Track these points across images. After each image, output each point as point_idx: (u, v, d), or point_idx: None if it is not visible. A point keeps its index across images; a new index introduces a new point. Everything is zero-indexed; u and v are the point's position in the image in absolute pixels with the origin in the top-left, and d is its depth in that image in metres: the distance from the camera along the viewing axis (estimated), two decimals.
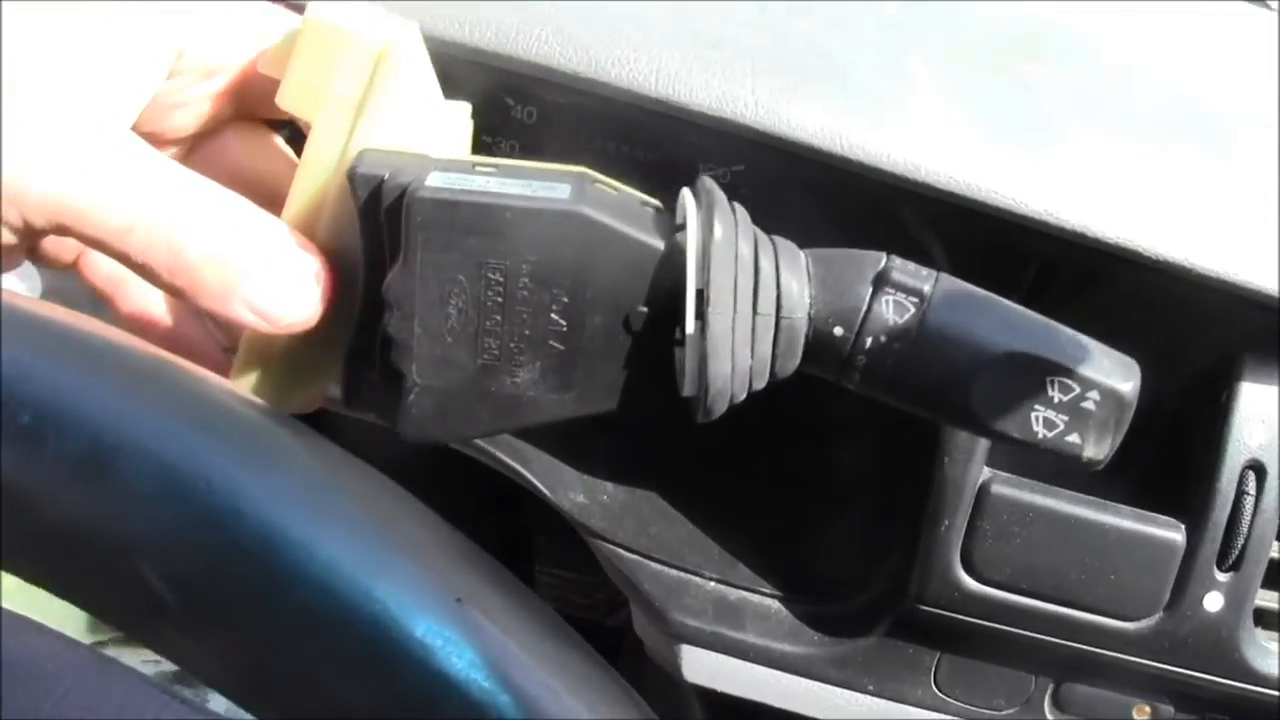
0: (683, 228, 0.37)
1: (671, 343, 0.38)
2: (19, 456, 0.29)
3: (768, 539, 0.62)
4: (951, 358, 0.37)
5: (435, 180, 0.36)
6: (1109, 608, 0.57)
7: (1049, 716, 0.60)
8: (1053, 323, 0.39)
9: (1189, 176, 0.54)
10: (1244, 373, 0.56)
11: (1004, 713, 0.60)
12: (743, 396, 0.38)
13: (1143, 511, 0.56)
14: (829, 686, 0.60)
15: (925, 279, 0.38)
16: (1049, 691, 0.60)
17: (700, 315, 0.36)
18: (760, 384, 0.38)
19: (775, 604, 0.61)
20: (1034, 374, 0.37)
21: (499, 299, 0.37)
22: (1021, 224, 0.51)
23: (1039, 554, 0.56)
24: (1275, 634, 0.59)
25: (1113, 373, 0.38)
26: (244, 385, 0.40)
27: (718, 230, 0.37)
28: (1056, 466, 0.57)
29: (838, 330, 0.38)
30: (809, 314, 0.38)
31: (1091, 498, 0.56)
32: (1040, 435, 0.38)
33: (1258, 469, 0.56)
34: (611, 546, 0.61)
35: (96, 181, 0.35)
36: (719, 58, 0.51)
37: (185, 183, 0.37)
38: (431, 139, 0.39)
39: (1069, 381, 0.38)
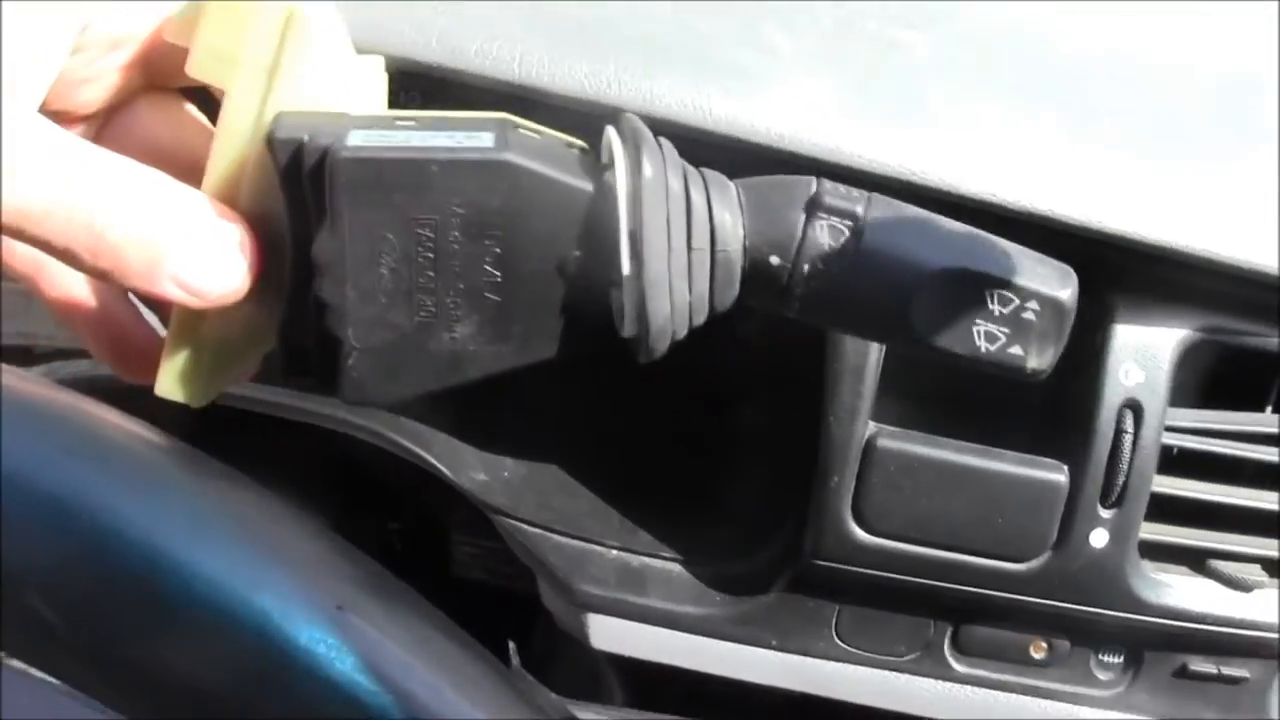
0: (610, 168, 0.37)
1: (608, 285, 0.37)
2: None
3: (666, 505, 0.63)
4: (888, 278, 0.37)
5: (356, 139, 0.35)
6: (999, 550, 0.58)
7: (949, 659, 0.62)
8: (987, 235, 0.39)
9: (1048, 132, 0.56)
10: (1116, 315, 0.57)
11: (906, 659, 0.62)
12: (684, 333, 0.38)
13: (1026, 455, 0.58)
14: (733, 645, 0.61)
15: (857, 200, 0.38)
16: (948, 635, 0.62)
17: (635, 256, 0.36)
18: (700, 320, 0.38)
19: (677, 568, 0.62)
20: (972, 288, 0.37)
21: (430, 255, 0.36)
22: (884, 184, 0.52)
23: (927, 503, 0.57)
24: (1160, 565, 0.60)
25: (1049, 280, 0.38)
26: (177, 363, 0.39)
27: (646, 168, 0.36)
28: (940, 415, 0.59)
29: (774, 259, 0.37)
30: (744, 245, 0.38)
31: (976, 445, 0.58)
32: (983, 349, 0.38)
33: (1135, 408, 0.57)
34: (514, 522, 0.62)
35: (9, 169, 0.34)
36: (580, 40, 0.51)
37: (101, 162, 0.36)
38: (348, 97, 0.39)
39: (1007, 293, 0.38)
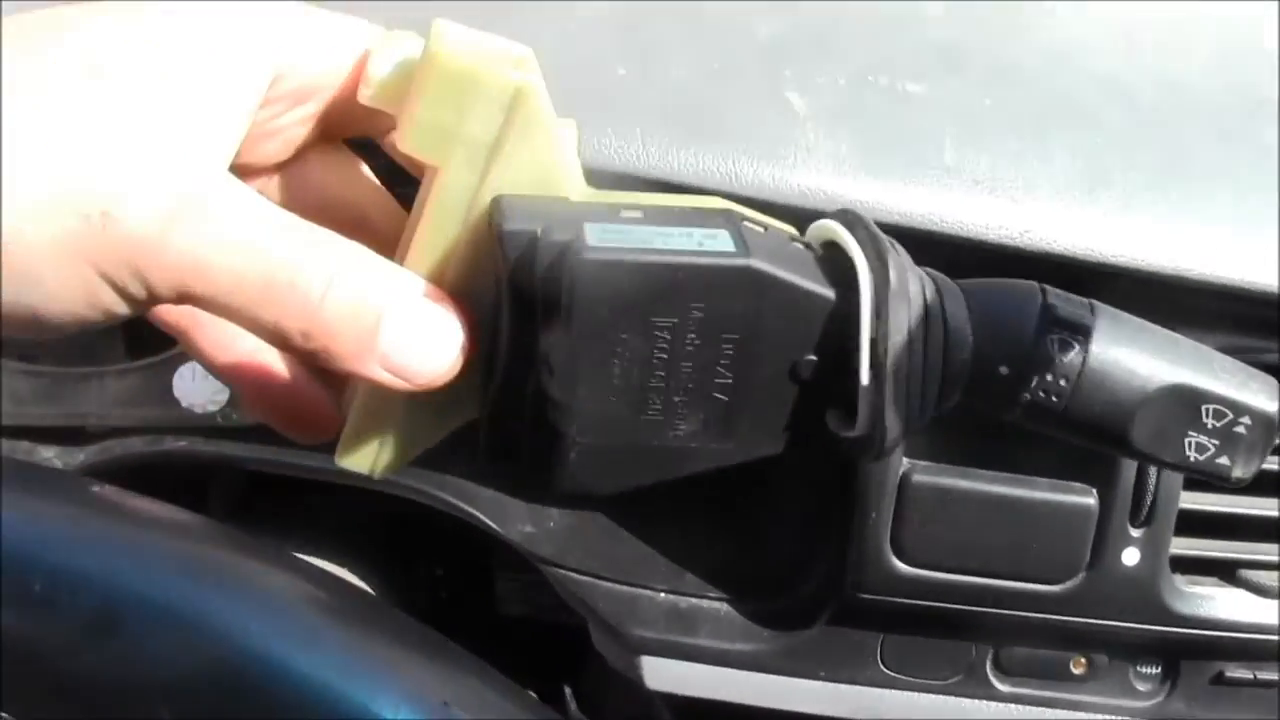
0: (851, 271, 0.37)
1: (841, 390, 0.37)
2: (35, 622, 0.31)
3: (711, 545, 0.65)
4: (1114, 394, 0.38)
5: (595, 237, 0.34)
6: (1034, 574, 0.60)
7: (992, 679, 0.64)
8: (1202, 347, 0.40)
9: (1057, 168, 0.57)
10: None
11: (949, 681, 0.64)
12: (912, 434, 0.38)
13: (1057, 481, 0.60)
14: (782, 678, 0.64)
15: (1084, 311, 0.39)
16: (989, 657, 0.64)
17: (875, 365, 0.36)
18: (924, 422, 0.38)
19: (724, 606, 0.64)
20: (1190, 403, 0.38)
21: (664, 355, 0.36)
22: (908, 234, 0.54)
23: (963, 533, 0.59)
24: (1191, 578, 0.62)
25: (1259, 394, 0.39)
26: (362, 435, 0.38)
27: (892, 276, 0.36)
28: (970, 445, 0.61)
29: (1003, 369, 0.38)
30: (972, 353, 0.38)
31: (1007, 474, 0.60)
32: (1192, 460, 0.39)
33: None
34: (563, 572, 0.64)
35: (233, 242, 0.33)
36: (603, 111, 0.53)
37: (314, 237, 0.34)
38: (561, 174, 0.37)
39: (1222, 408, 0.38)
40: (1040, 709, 0.64)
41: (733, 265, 0.35)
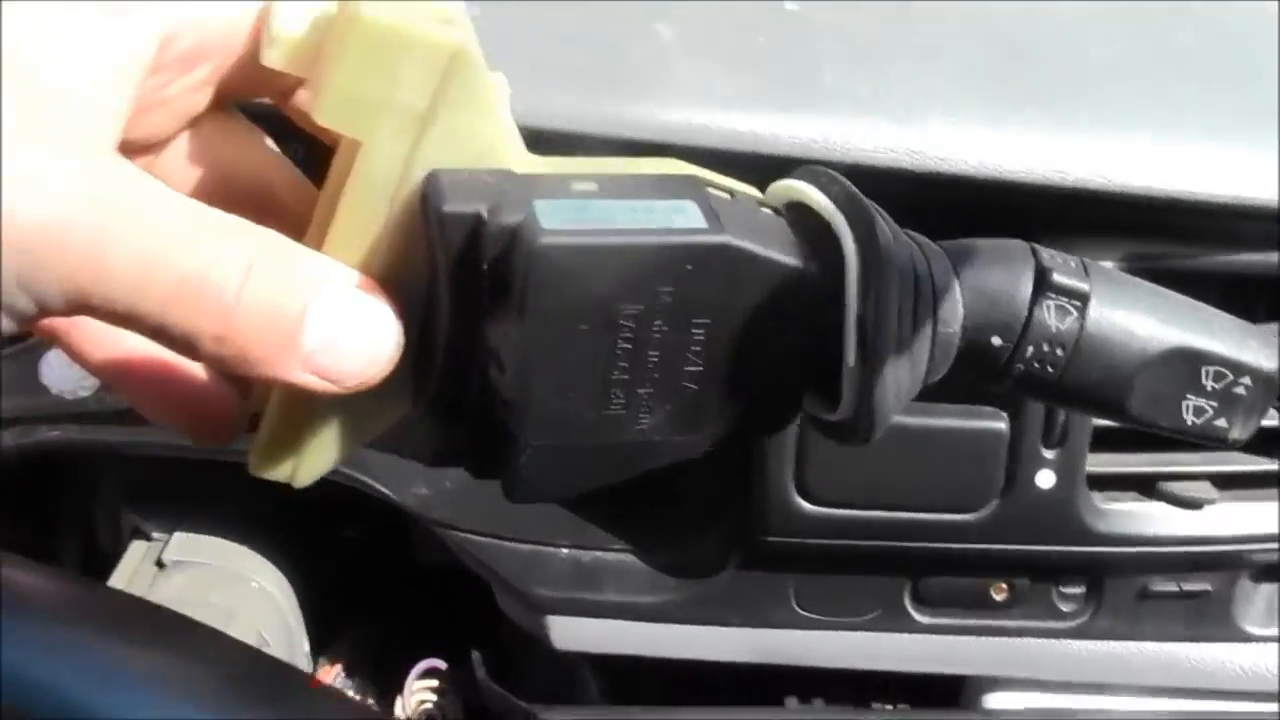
0: (831, 241, 0.33)
1: (823, 370, 0.34)
2: None
3: (611, 497, 0.62)
4: (1112, 361, 0.35)
5: (549, 218, 0.30)
6: (946, 504, 0.58)
7: (911, 612, 0.61)
8: (1201, 305, 0.37)
9: (949, 84, 0.54)
10: None
11: (868, 618, 0.61)
12: (898, 413, 0.35)
13: (965, 406, 0.57)
14: (695, 627, 0.61)
15: (1080, 275, 0.35)
16: (908, 590, 0.61)
17: (862, 343, 0.33)
18: (911, 398, 0.35)
19: (630, 559, 0.61)
20: (1190, 366, 0.36)
21: (628, 345, 0.32)
22: (791, 163, 0.50)
23: (869, 467, 0.57)
24: (1110, 495, 0.60)
25: (1260, 353, 0.37)
26: (278, 441, 0.34)
27: (882, 246, 0.33)
28: None
29: (995, 340, 0.35)
30: (963, 325, 0.35)
31: (912, 403, 0.57)
32: (1189, 424, 0.36)
33: None
34: (461, 534, 0.61)
35: (135, 241, 0.28)
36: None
37: (223, 226, 0.30)
38: (499, 140, 0.32)
39: (1223, 369, 0.36)
40: (964, 638, 0.62)
41: (707, 243, 0.31)
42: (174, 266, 0.28)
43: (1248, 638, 0.63)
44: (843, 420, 0.34)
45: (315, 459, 0.34)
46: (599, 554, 0.61)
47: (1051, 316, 0.35)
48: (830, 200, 0.33)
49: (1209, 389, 0.36)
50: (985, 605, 0.62)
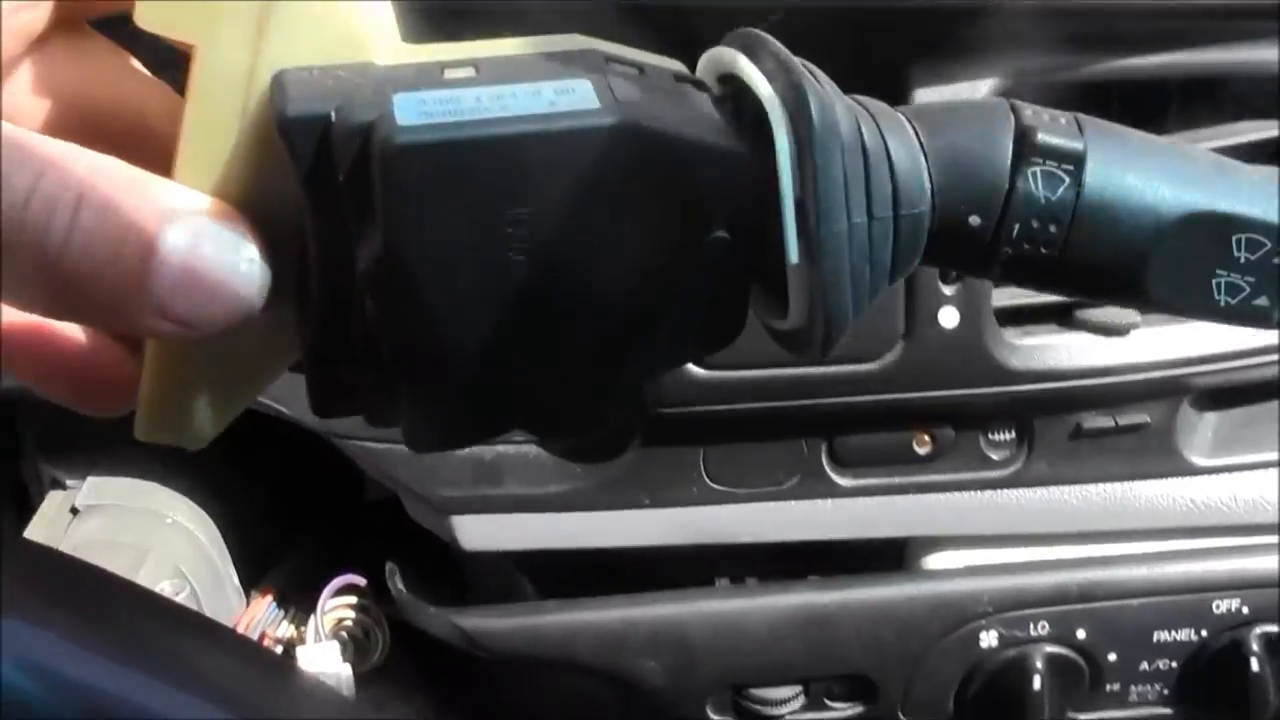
0: (759, 114, 0.28)
1: (763, 272, 0.29)
2: None
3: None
4: (1121, 233, 0.30)
5: (406, 112, 0.26)
6: (847, 353, 0.55)
7: (831, 475, 0.58)
8: (1225, 160, 0.31)
9: None
10: (913, 82, 0.53)
11: (787, 485, 0.58)
12: (861, 317, 0.30)
13: None
14: (606, 513, 0.59)
15: (1073, 133, 0.30)
16: (824, 452, 0.58)
17: (806, 235, 0.28)
18: (878, 296, 0.30)
19: (532, 450, 0.59)
20: (1217, 233, 0.30)
21: (521, 257, 0.27)
22: None
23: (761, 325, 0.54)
24: (1024, 329, 0.57)
25: None
26: (160, 401, 0.30)
27: (814, 116, 0.27)
28: None
29: (974, 220, 0.29)
30: (932, 203, 0.29)
31: None
32: (1222, 303, 0.31)
33: None
34: (361, 443, 0.59)
35: None
36: None
37: (41, 155, 0.26)
38: (359, 30, 0.28)
39: (1257, 236, 0.30)
40: (890, 498, 0.59)
41: (598, 125, 0.27)
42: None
43: (1195, 470, 0.60)
44: (795, 329, 0.29)
45: (202, 417, 0.30)
46: (500, 449, 0.59)
47: (1039, 185, 0.29)
48: (755, 65, 0.28)
49: (1242, 261, 0.30)
50: (909, 460, 0.58)
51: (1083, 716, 0.62)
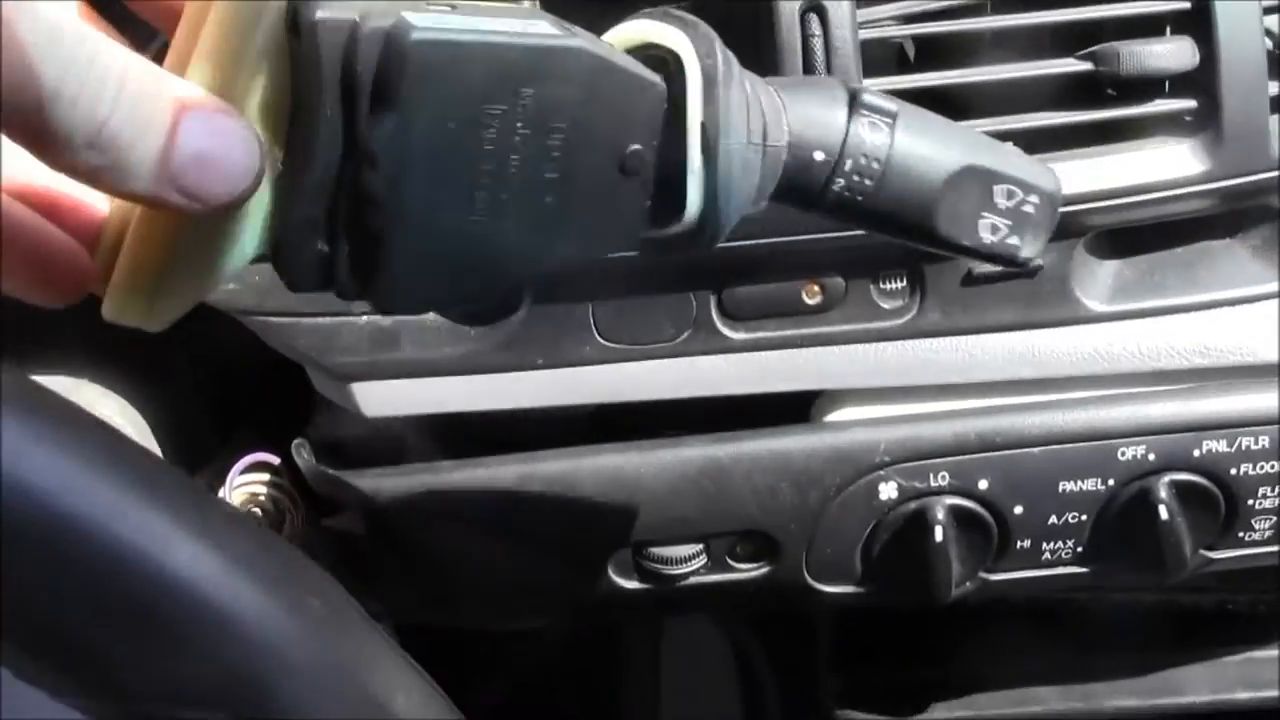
0: (671, 63, 0.37)
1: (669, 178, 0.37)
2: None
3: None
4: (919, 178, 0.39)
5: (419, 21, 0.32)
6: None
7: (722, 329, 0.59)
8: (986, 135, 0.43)
9: None
10: None
11: (677, 341, 0.59)
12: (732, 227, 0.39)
13: None
14: (502, 375, 0.59)
15: (888, 99, 0.39)
16: (714, 305, 0.59)
17: (706, 149, 0.36)
18: (745, 212, 0.39)
19: (429, 316, 0.59)
20: (985, 183, 0.40)
21: (491, 148, 0.34)
22: None
23: None
24: None
25: (1043, 176, 0.41)
26: (134, 280, 0.34)
27: (720, 62, 0.36)
28: None
29: (818, 155, 0.38)
30: (788, 141, 0.38)
31: None
32: (986, 240, 0.40)
33: (817, 9, 0.54)
34: (263, 319, 0.60)
35: (22, 36, 0.28)
36: None
37: (101, 38, 0.30)
38: None
39: (1014, 188, 0.40)
40: (784, 352, 0.59)
41: (565, 45, 0.34)
42: (54, 65, 0.29)
43: (1094, 316, 0.59)
44: (686, 229, 0.37)
45: (170, 300, 0.34)
46: (398, 317, 0.60)
47: (866, 131, 0.39)
48: (671, 24, 0.37)
49: (1002, 207, 0.40)
50: (799, 311, 0.58)
51: (995, 577, 0.61)
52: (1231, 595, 0.76)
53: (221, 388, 0.73)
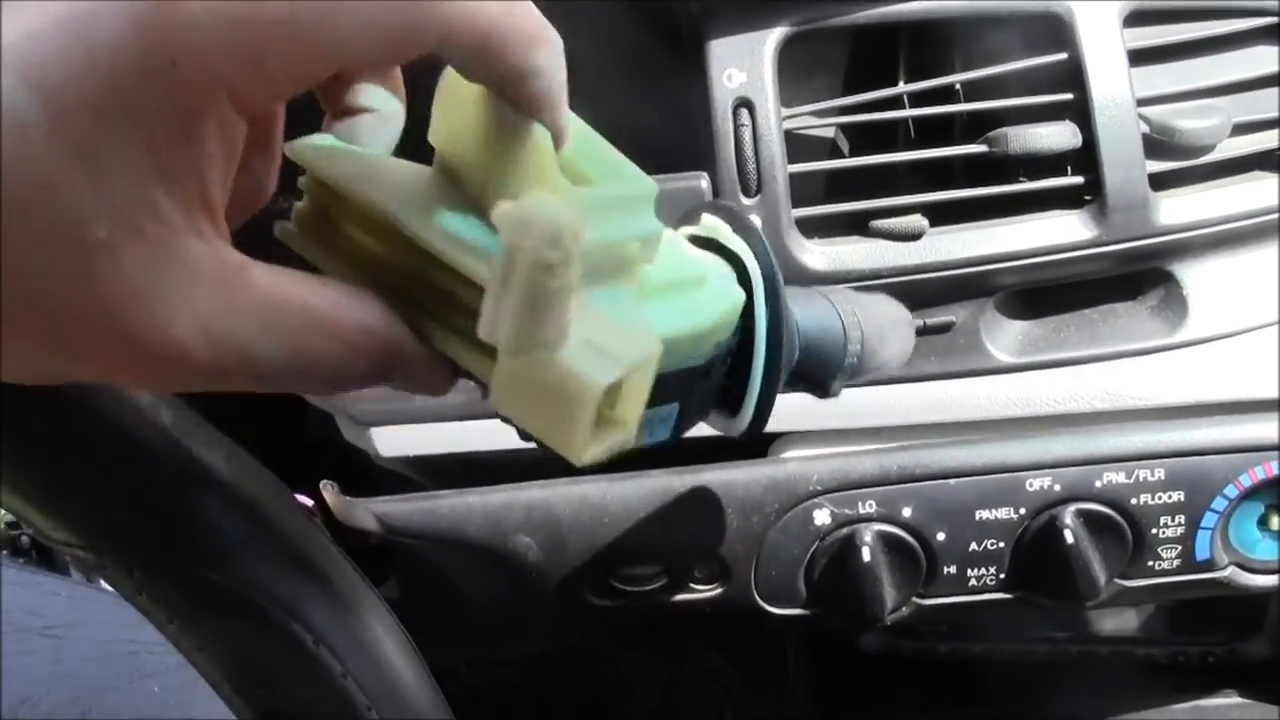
0: (741, 272, 0.45)
1: (726, 382, 0.45)
2: None
3: None
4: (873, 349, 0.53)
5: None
6: None
7: None
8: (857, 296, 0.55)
9: None
10: (709, 33, 0.65)
11: None
12: None
13: (666, 175, 0.65)
14: (499, 420, 0.69)
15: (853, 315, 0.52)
16: None
17: (770, 361, 0.45)
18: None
19: None
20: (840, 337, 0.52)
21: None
22: None
23: None
24: (825, 239, 0.66)
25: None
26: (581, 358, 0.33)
27: (779, 276, 0.45)
28: None
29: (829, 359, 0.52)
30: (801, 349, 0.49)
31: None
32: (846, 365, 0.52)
33: (746, 104, 0.65)
34: None
35: None
36: None
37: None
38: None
39: (853, 344, 0.52)
40: None
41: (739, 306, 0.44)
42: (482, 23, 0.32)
43: (1004, 368, 0.67)
44: (742, 430, 0.47)
45: (602, 357, 0.34)
46: None
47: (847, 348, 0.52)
48: (738, 235, 0.47)
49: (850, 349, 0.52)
50: None
51: (928, 602, 0.68)
52: (1183, 648, 0.80)
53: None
